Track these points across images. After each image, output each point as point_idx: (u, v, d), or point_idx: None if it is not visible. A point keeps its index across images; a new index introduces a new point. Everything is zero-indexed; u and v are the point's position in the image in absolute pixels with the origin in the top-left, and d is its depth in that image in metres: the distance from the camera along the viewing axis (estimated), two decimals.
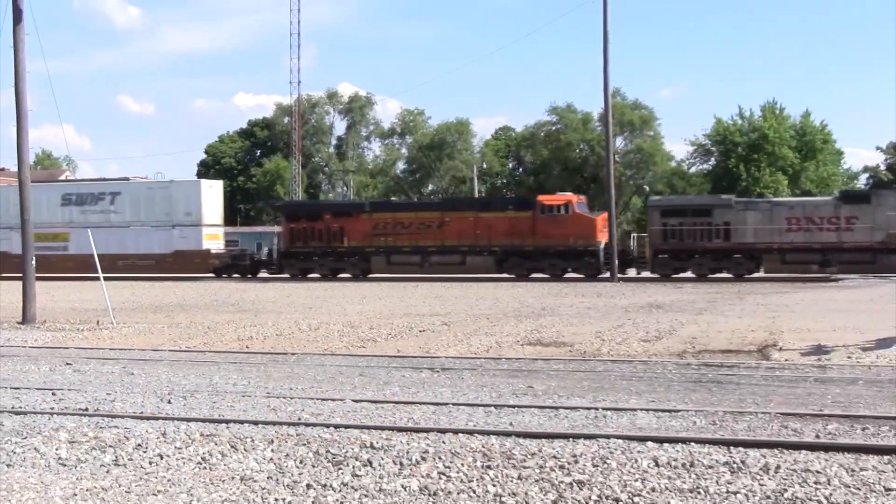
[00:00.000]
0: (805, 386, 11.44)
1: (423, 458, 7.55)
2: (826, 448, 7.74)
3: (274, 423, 9.10)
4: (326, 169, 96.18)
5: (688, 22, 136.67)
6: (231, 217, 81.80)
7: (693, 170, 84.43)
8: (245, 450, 8.01)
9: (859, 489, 6.57)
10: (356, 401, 10.48)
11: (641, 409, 9.70)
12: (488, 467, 7.26)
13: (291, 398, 10.80)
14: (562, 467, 7.21)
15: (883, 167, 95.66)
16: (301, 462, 7.60)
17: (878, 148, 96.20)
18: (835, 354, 14.68)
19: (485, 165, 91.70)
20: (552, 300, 29.36)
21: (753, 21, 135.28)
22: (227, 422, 9.22)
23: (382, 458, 7.58)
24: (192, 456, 7.85)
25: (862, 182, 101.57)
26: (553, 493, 6.59)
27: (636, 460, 7.35)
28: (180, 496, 6.70)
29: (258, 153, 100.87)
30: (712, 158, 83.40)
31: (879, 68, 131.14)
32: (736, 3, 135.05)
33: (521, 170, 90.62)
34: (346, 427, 8.85)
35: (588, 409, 9.78)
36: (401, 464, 7.42)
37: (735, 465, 7.19)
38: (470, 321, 21.70)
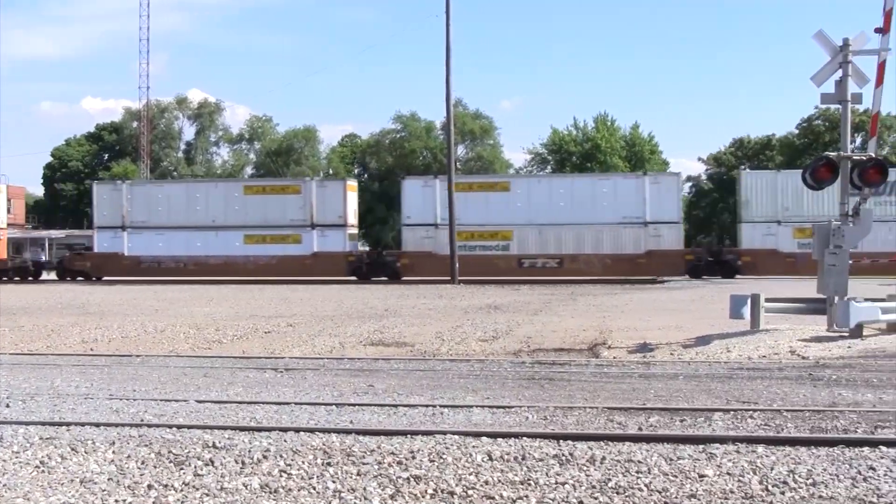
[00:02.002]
0: (630, 381, 12.04)
1: (265, 457, 7.69)
2: (648, 439, 8.22)
3: (116, 425, 9.06)
4: (175, 173, 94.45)
5: (527, 36, 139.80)
6: (78, 220, 79.66)
7: None
8: (85, 452, 7.98)
9: (676, 476, 7.01)
10: (199, 401, 10.52)
11: (477, 406, 10.05)
12: (328, 464, 7.46)
13: (134, 400, 10.75)
14: (400, 463, 7.46)
15: (704, 177, 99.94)
16: (143, 463, 7.62)
17: (699, 159, 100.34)
18: (659, 352, 15.43)
19: (331, 171, 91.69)
20: (395, 302, 29.68)
21: (587, 37, 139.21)
22: (68, 424, 9.12)
23: (224, 458, 7.68)
24: (30, 460, 7.75)
25: (685, 191, 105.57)
26: (391, 487, 6.82)
27: (471, 455, 7.66)
28: (16, 501, 6.64)
29: (106, 157, 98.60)
30: (548, 166, 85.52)
31: (702, 85, 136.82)
32: (572, 20, 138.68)
33: (366, 176, 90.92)
34: (189, 427, 8.89)
35: (426, 406, 10.08)
36: (242, 462, 7.54)
37: (564, 458, 7.56)
38: (314, 322, 21.83)
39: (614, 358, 14.85)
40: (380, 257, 50.51)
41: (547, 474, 7.09)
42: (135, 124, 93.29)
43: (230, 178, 78.37)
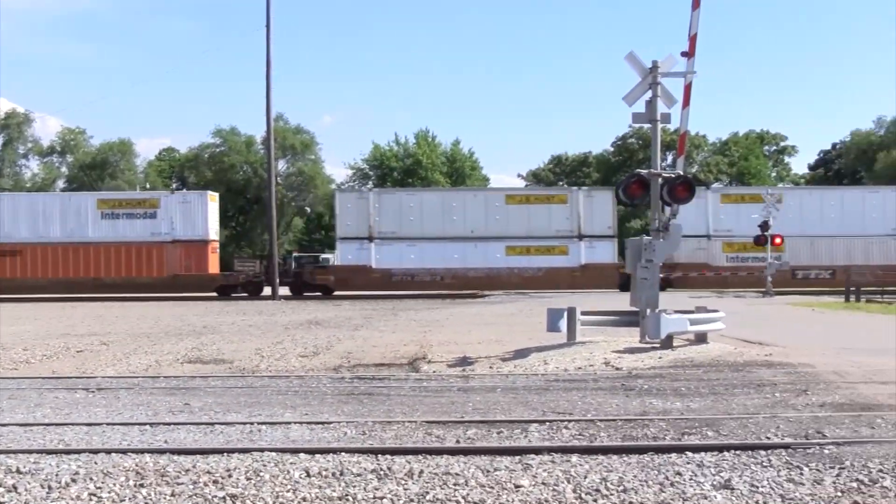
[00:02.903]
0: (449, 395, 12.13)
1: (74, 480, 7.40)
2: (465, 452, 8.30)
3: None
4: None
5: (349, 51, 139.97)
6: None
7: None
8: None
9: (493, 488, 7.10)
10: (3, 425, 10.04)
11: (295, 423, 9.95)
12: (141, 486, 7.23)
13: None
14: (216, 482, 7.31)
15: None
16: None
17: (519, 175, 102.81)
18: (478, 365, 15.61)
19: (147, 186, 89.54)
20: (214, 318, 29.16)
21: (410, 53, 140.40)
22: None
23: (29, 483, 7.34)
24: None
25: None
26: None
27: (288, 472, 7.57)
28: None
29: None
30: (370, 182, 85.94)
31: (521, 102, 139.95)
32: (395, 36, 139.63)
33: (185, 191, 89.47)
34: None
35: (244, 423, 9.92)
36: (49, 487, 7.23)
37: (382, 472, 7.56)
38: (130, 340, 21.21)
39: (434, 372, 14.95)
40: None
41: (365, 489, 7.07)
42: None
43: (491, 188, 73.38)
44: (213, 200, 51.48)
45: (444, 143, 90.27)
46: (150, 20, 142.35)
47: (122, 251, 49.52)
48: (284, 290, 49.96)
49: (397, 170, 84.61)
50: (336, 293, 48.87)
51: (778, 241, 46.33)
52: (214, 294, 49.70)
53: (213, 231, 51.14)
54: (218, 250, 53.25)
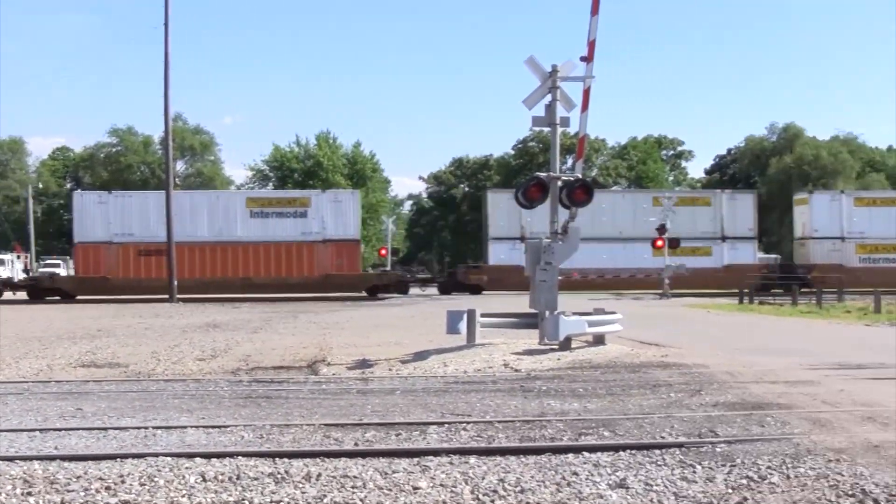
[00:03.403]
0: (348, 398, 12.08)
1: None
2: (364, 454, 8.27)
3: None
4: None
5: (249, 52, 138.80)
6: None
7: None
8: None
9: (391, 490, 7.08)
10: None
11: (191, 427, 9.79)
12: (29, 494, 7.02)
13: None
14: (108, 488, 7.14)
15: (425, 195, 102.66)
16: None
17: (420, 178, 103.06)
18: (377, 367, 15.56)
19: (40, 185, 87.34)
20: (109, 321, 28.58)
21: (311, 55, 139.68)
22: None
23: None
24: None
25: (406, 208, 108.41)
26: None
27: (184, 476, 7.44)
28: None
29: None
30: (270, 183, 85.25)
31: (423, 105, 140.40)
32: (295, 37, 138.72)
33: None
34: None
35: (138, 428, 9.72)
36: None
37: (279, 476, 7.48)
38: (20, 344, 20.60)
39: (333, 374, 14.86)
40: None
41: (262, 493, 6.99)
42: None
43: (638, 190, 73.16)
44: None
45: (346, 144, 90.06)
46: (45, 16, 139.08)
47: (272, 250, 48.73)
48: (433, 290, 52.14)
49: (298, 171, 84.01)
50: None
51: (659, 244, 47.17)
52: (364, 294, 49.65)
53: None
54: None
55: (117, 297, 44.88)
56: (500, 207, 50.85)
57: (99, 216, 48.44)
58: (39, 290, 49.68)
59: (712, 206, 52.20)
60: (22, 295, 50.14)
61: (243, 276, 48.33)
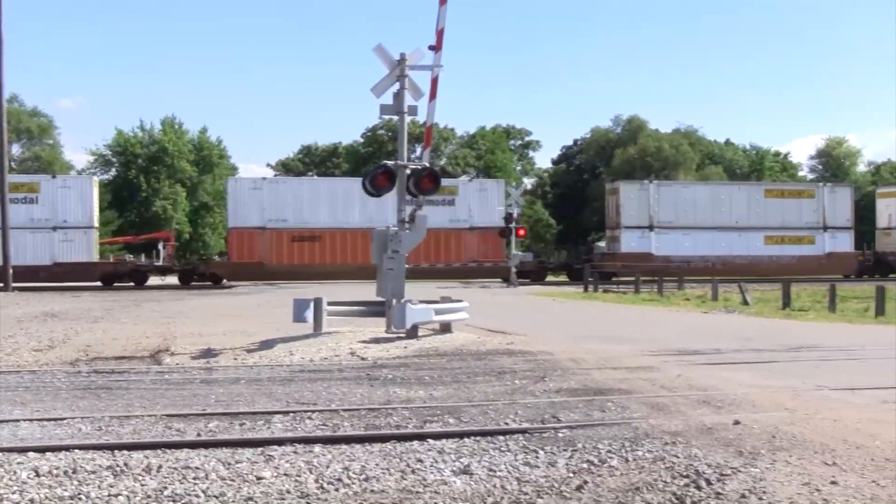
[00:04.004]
0: (192, 388, 11.85)
1: None
2: (206, 445, 8.12)
3: None
4: None
5: (90, 33, 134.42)
6: None
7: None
8: None
9: (234, 480, 6.98)
10: None
11: (25, 420, 9.41)
12: None
13: None
14: None
15: None
16: None
17: (268, 165, 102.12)
18: (222, 357, 15.32)
19: None
20: None
21: (153, 38, 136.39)
22: None
23: None
24: None
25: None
26: None
27: (16, 472, 7.16)
28: None
29: None
30: (113, 169, 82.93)
31: (270, 91, 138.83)
32: (135, 19, 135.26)
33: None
34: None
35: None
36: None
37: (118, 468, 7.28)
38: None
39: (177, 364, 14.56)
40: None
41: (100, 487, 6.80)
42: None
43: (752, 182, 74.28)
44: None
45: (192, 130, 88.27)
46: None
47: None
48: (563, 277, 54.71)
49: (142, 157, 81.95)
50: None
51: (522, 232, 48.08)
52: (500, 280, 50.60)
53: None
54: None
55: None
56: (631, 198, 53.95)
57: (253, 203, 49.92)
58: (189, 276, 50.74)
59: (816, 198, 55.91)
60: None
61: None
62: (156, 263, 54.19)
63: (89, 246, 49.02)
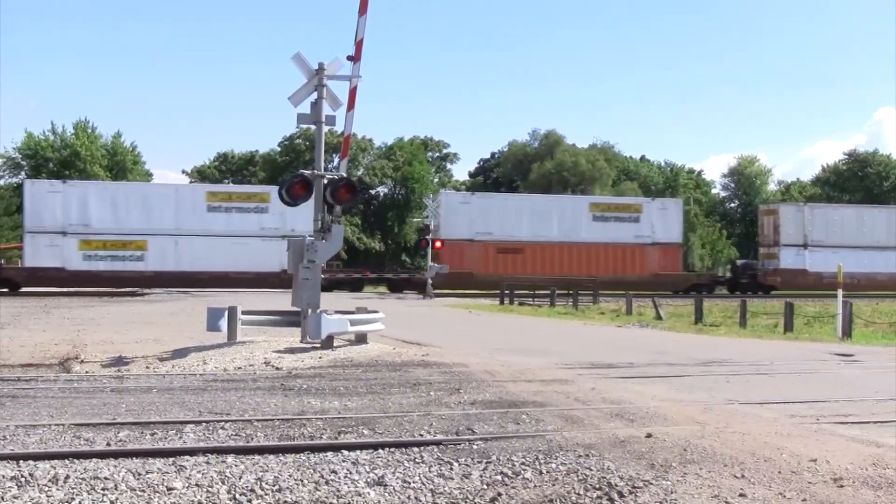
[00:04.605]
0: (102, 396, 11.63)
1: None
2: (116, 455, 7.98)
3: None
4: None
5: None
6: None
7: (2, 183, 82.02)
8: None
9: (144, 491, 6.87)
10: None
11: None
12: None
13: None
14: None
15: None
16: None
17: (184, 171, 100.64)
18: (134, 365, 15.09)
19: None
20: None
21: (65, 39, 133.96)
22: None
23: None
24: None
25: None
26: None
27: None
28: None
29: None
30: (23, 172, 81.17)
31: (184, 98, 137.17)
32: (50, 23, 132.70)
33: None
34: None
35: None
36: None
37: (23, 479, 7.11)
38: None
39: (87, 372, 14.29)
40: None
41: (2, 499, 6.63)
42: None
43: (888, 207, 72.30)
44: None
45: (105, 135, 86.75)
46: None
47: (611, 251, 54.41)
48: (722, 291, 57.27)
49: (53, 161, 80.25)
50: None
51: (438, 244, 48.29)
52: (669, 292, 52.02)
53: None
54: None
55: None
56: (789, 219, 57.16)
57: (463, 215, 53.26)
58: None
59: None
60: None
61: (587, 274, 50.85)
62: None
63: None
